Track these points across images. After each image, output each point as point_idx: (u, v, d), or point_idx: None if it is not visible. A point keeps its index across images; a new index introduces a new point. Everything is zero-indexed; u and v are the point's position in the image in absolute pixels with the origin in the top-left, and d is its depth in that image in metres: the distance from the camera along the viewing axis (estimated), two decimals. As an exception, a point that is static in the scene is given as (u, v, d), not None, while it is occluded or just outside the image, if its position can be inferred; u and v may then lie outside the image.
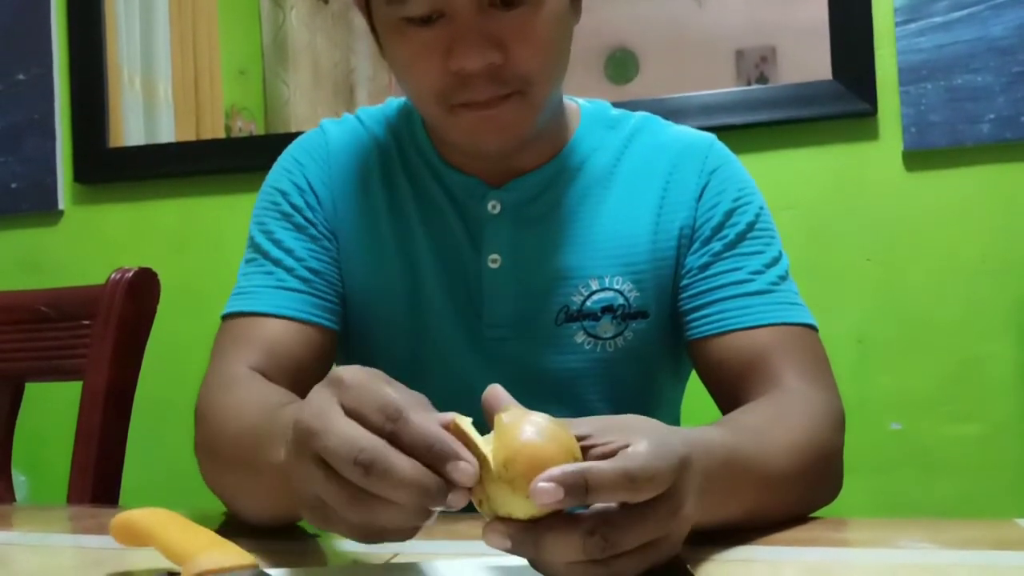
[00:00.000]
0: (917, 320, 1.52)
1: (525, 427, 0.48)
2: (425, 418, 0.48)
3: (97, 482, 0.98)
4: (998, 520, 0.66)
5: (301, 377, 0.80)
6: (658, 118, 0.92)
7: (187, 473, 1.09)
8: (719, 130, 1.52)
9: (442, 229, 0.86)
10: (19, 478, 1.16)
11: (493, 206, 0.85)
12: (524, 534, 0.46)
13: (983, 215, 1.50)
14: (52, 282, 1.22)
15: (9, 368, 1.07)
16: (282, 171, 0.90)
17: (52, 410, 1.25)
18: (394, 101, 0.94)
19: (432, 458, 0.46)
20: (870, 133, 1.54)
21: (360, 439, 0.47)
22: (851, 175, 1.55)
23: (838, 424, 0.76)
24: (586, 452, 0.49)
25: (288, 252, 0.86)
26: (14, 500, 1.07)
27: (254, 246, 0.88)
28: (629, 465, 0.46)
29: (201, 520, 0.56)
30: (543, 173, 0.86)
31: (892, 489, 1.50)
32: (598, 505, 0.47)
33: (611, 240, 0.85)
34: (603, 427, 0.50)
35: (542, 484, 0.45)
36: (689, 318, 0.84)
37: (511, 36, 0.74)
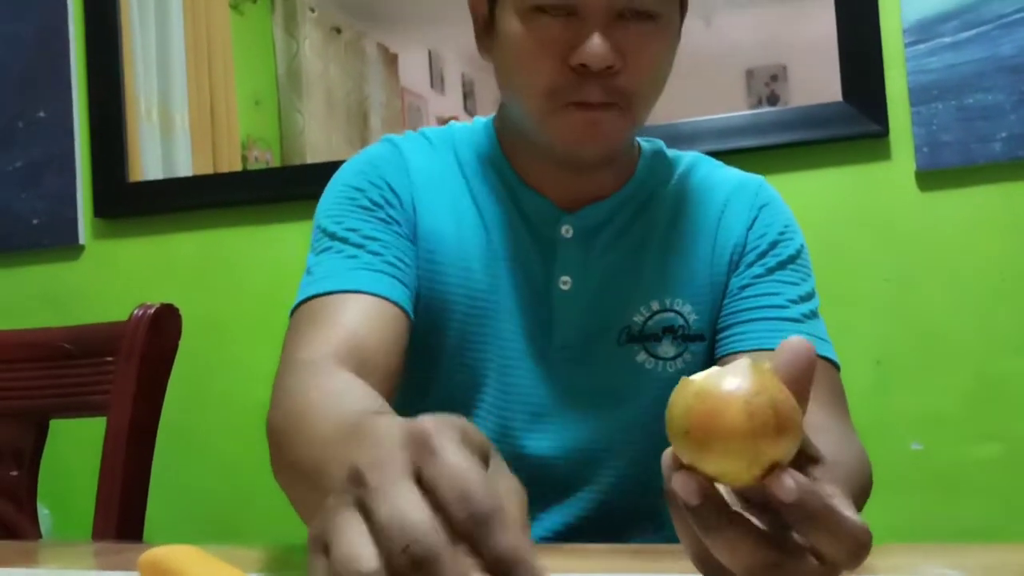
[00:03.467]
0: (936, 339, 1.51)
1: (766, 395, 0.44)
2: (516, 532, 0.36)
3: (122, 517, 0.99)
4: None
5: (384, 365, 0.75)
6: (710, 158, 0.96)
7: (209, 506, 1.09)
8: (731, 153, 1.55)
9: (515, 248, 0.87)
10: (43, 511, 1.17)
11: (566, 230, 0.87)
12: (713, 509, 0.44)
13: (999, 233, 1.50)
14: (74, 316, 1.23)
15: (34, 405, 1.08)
16: (355, 172, 0.88)
17: (76, 445, 1.27)
18: (457, 124, 0.94)
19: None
20: (882, 154, 1.54)
21: (420, 524, 0.35)
22: (864, 196, 1.55)
23: (868, 458, 0.77)
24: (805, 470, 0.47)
25: (371, 239, 0.82)
26: (39, 536, 1.08)
27: (329, 235, 0.83)
28: (847, 532, 0.44)
29: (228, 557, 0.56)
30: (613, 201, 0.88)
31: (914, 511, 1.49)
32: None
33: (671, 266, 0.88)
34: (832, 468, 0.48)
35: (789, 479, 0.43)
36: (722, 335, 0.87)
37: (633, 49, 0.77)
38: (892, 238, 1.53)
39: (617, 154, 0.85)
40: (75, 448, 1.31)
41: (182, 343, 1.07)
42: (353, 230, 0.83)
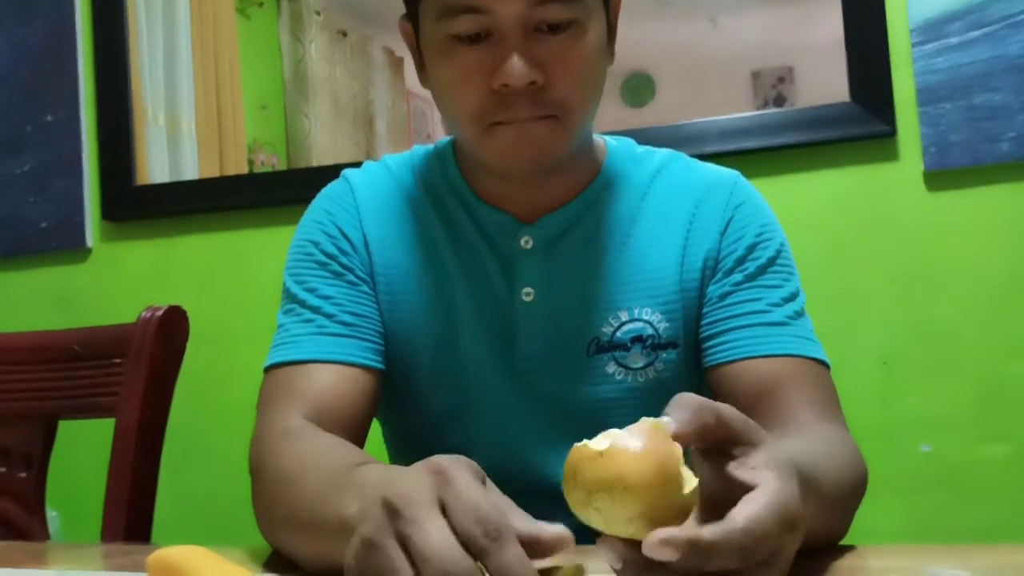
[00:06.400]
0: (944, 340, 1.51)
1: (637, 448, 0.48)
2: (520, 552, 0.46)
3: (130, 518, 1.00)
4: (1031, 545, 0.66)
5: (352, 421, 0.81)
6: (683, 155, 0.94)
7: (214, 506, 1.09)
8: (737, 154, 1.54)
9: (476, 265, 0.88)
10: (51, 513, 1.18)
11: (525, 241, 0.87)
12: (636, 566, 0.47)
13: (1007, 233, 1.49)
14: (81, 318, 1.24)
15: (42, 407, 1.08)
16: (311, 223, 0.91)
17: (84, 447, 1.27)
18: (420, 148, 0.95)
19: None
20: (890, 154, 1.54)
21: (454, 558, 0.45)
22: (872, 196, 1.55)
23: (862, 459, 0.76)
24: (729, 455, 0.51)
25: (326, 299, 0.86)
26: (48, 537, 1.08)
27: (290, 297, 0.89)
28: (746, 542, 0.46)
29: (236, 558, 0.56)
30: (573, 208, 0.87)
31: (922, 512, 1.49)
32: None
33: (639, 272, 0.86)
34: (750, 443, 0.51)
35: (658, 543, 0.45)
36: (706, 345, 0.85)
37: (553, 60, 0.77)
38: (900, 238, 1.53)
39: (560, 163, 0.83)
40: (83, 450, 1.32)
41: (189, 345, 1.07)
42: (311, 290, 0.87)
